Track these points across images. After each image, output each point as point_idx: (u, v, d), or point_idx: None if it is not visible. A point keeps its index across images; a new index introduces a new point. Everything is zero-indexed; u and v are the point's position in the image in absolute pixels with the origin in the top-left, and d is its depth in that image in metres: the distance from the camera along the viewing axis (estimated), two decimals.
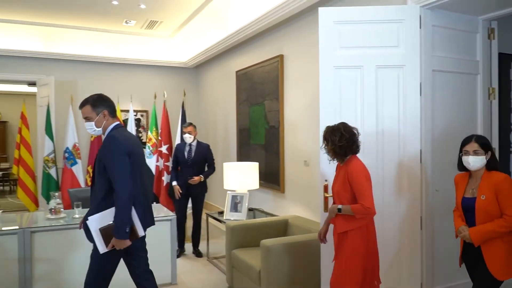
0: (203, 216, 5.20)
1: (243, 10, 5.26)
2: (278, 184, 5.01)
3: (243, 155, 5.97)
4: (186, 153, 5.05)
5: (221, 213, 4.85)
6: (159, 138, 5.96)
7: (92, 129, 2.74)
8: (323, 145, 2.78)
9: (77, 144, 6.32)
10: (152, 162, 6.00)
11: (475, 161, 2.43)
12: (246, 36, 5.51)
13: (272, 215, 4.70)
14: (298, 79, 4.67)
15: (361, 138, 3.10)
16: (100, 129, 2.74)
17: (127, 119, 6.71)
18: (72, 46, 6.99)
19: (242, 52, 6.06)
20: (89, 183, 6.25)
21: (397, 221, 3.14)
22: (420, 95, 3.07)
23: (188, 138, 4.99)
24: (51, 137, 6.21)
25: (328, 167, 3.10)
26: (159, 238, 4.05)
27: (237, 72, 6.14)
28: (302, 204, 4.57)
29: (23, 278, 3.43)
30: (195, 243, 5.16)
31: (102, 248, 2.66)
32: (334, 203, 2.78)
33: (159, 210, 4.47)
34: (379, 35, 3.09)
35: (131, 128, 6.41)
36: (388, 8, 3.11)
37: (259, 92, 5.44)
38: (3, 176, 10.32)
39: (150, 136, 6.15)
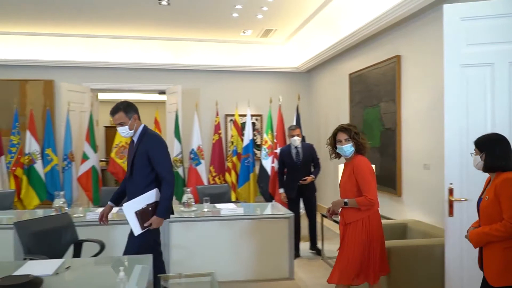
0: (317, 218, 5.31)
1: (357, 13, 5.27)
2: (394, 188, 4.91)
3: None
4: (294, 156, 5.09)
5: (336, 214, 4.90)
6: (274, 140, 6.25)
7: (125, 132, 3.12)
8: (350, 140, 3.02)
9: (201, 146, 6.92)
10: (267, 163, 6.32)
11: (473, 160, 2.44)
12: (360, 39, 5.51)
13: (388, 218, 4.62)
14: (417, 79, 4.54)
15: None
16: (132, 131, 3.13)
17: (244, 122, 7.14)
18: (196, 57, 7.68)
19: (356, 54, 6.05)
20: (211, 182, 6.80)
21: None
22: None
23: (298, 140, 5.06)
24: (179, 140, 6.90)
25: (454, 170, 3.00)
26: (277, 234, 4.27)
27: (350, 74, 6.15)
28: (421, 208, 4.42)
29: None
30: (313, 241, 5.26)
31: (137, 230, 2.95)
32: (341, 197, 3.09)
33: (277, 209, 4.70)
34: None
35: (248, 131, 6.82)
36: None
37: (374, 94, 5.39)
38: None
39: (266, 139, 6.47)
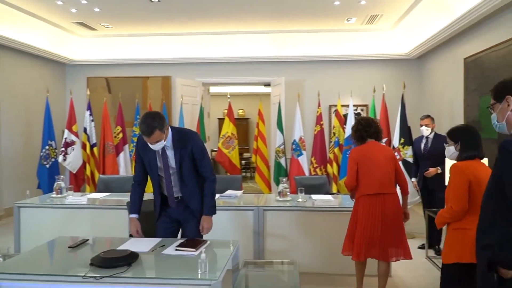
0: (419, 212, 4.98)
1: None
2: None
3: None
4: (422, 146, 4.97)
5: None
6: None
7: (161, 145, 2.78)
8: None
9: (302, 137, 6.96)
10: None
11: (446, 151, 2.62)
12: (476, 18, 4.97)
13: None
14: None
15: None
16: (165, 141, 2.80)
17: (346, 114, 6.98)
18: (299, 48, 7.72)
19: (471, 37, 5.47)
20: (313, 173, 6.82)
21: None
22: None
23: (425, 130, 4.91)
24: (282, 131, 7.03)
25: None
26: None
27: (465, 59, 5.59)
28: None
29: (257, 247, 4.08)
30: (432, 240, 4.94)
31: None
32: None
33: None
34: None
35: (351, 121, 6.64)
36: None
37: (492, 80, 4.82)
38: (246, 164, 12.19)
39: None
